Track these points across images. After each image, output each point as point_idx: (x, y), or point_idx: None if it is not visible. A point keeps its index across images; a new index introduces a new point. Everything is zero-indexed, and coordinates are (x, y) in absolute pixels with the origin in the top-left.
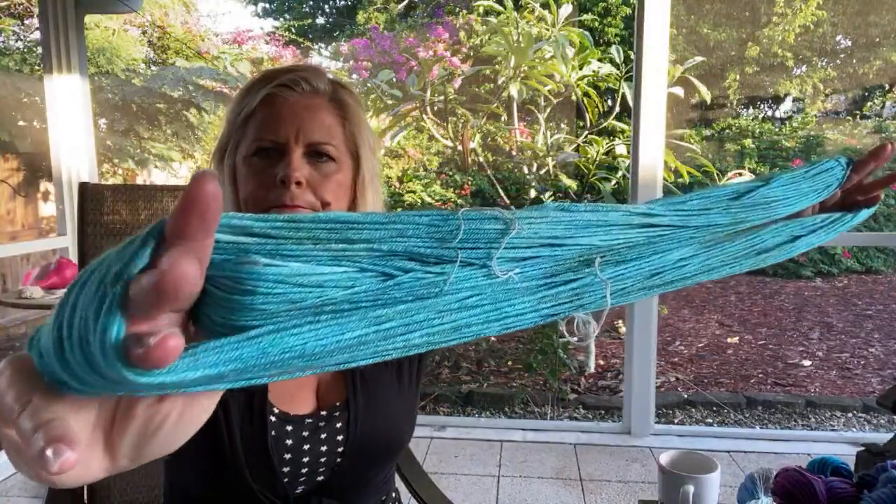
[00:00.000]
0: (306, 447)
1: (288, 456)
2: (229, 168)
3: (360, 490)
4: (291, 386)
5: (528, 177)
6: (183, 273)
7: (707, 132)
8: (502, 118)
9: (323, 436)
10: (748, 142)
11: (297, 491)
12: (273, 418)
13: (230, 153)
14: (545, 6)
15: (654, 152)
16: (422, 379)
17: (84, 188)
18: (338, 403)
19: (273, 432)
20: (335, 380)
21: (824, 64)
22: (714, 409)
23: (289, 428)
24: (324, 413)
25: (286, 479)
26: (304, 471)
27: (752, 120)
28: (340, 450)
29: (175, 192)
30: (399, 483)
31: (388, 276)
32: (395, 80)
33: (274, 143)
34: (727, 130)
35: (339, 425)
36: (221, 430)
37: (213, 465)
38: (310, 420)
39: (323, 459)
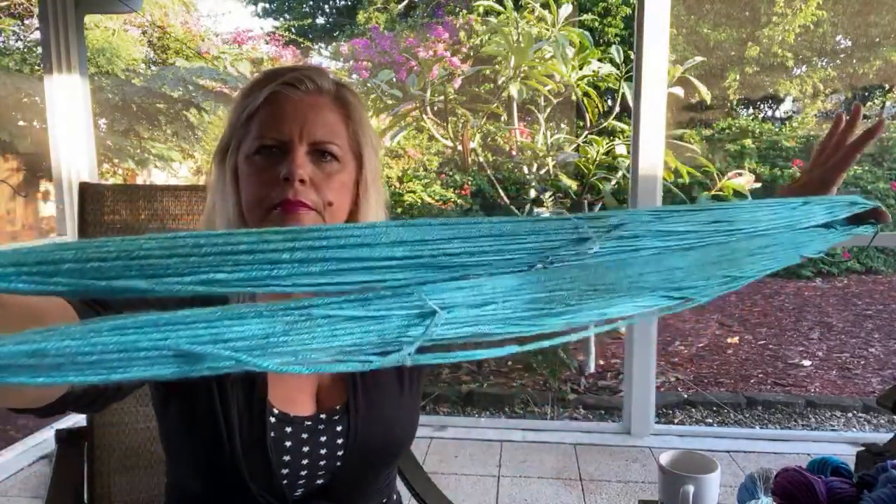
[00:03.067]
0: (305, 449)
1: (287, 458)
2: (231, 168)
3: (359, 494)
4: (291, 388)
5: (528, 177)
6: None
7: (707, 132)
8: (502, 118)
9: (322, 438)
10: (748, 142)
11: (297, 493)
12: (273, 419)
13: (232, 153)
14: (545, 6)
15: (654, 152)
16: (423, 381)
17: (84, 188)
18: (338, 407)
19: (272, 433)
20: (335, 383)
21: (824, 64)
22: (714, 409)
23: (288, 429)
24: (323, 416)
25: (285, 481)
26: (303, 472)
27: (752, 120)
28: (340, 453)
29: (175, 192)
30: (399, 483)
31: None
32: (395, 80)
33: (277, 141)
34: (727, 130)
35: (339, 428)
36: (221, 430)
37: (211, 464)
38: (309, 422)
39: (322, 462)
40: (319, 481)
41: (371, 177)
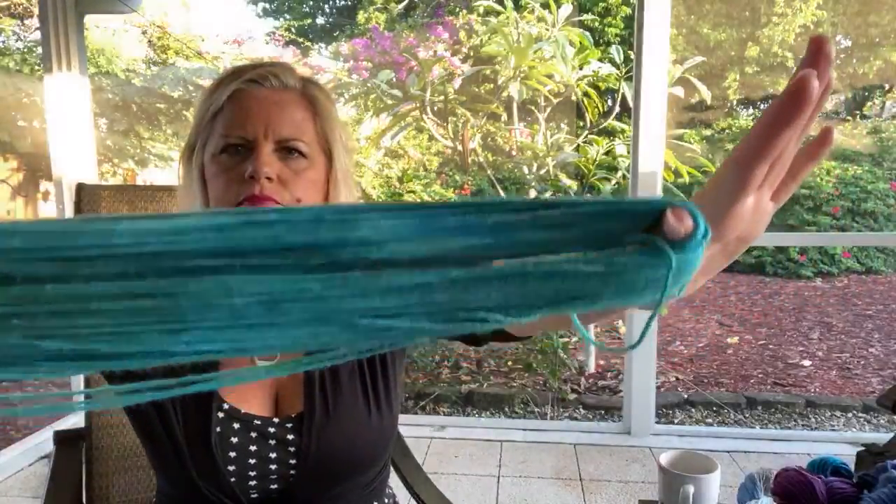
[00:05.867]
0: (253, 448)
1: (233, 454)
2: (198, 167)
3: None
4: (247, 383)
5: (528, 177)
6: None
7: (707, 132)
8: (502, 118)
9: (272, 442)
10: None
11: (253, 496)
12: (221, 414)
13: (198, 152)
14: (545, 6)
15: (654, 152)
16: (398, 391)
17: (81, 188)
18: (293, 415)
19: (218, 428)
20: (295, 388)
21: None
22: (714, 409)
23: (236, 426)
24: (276, 420)
25: (233, 479)
26: (251, 473)
27: (752, 120)
28: (293, 462)
29: (172, 192)
30: (399, 483)
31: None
32: (395, 80)
33: (242, 139)
34: (727, 130)
35: (290, 437)
36: (154, 421)
37: (161, 460)
38: (259, 421)
39: (273, 467)
40: (274, 486)
41: (342, 174)
